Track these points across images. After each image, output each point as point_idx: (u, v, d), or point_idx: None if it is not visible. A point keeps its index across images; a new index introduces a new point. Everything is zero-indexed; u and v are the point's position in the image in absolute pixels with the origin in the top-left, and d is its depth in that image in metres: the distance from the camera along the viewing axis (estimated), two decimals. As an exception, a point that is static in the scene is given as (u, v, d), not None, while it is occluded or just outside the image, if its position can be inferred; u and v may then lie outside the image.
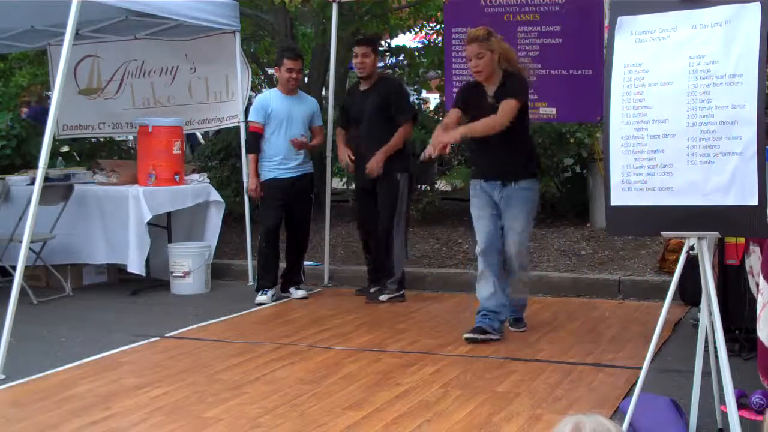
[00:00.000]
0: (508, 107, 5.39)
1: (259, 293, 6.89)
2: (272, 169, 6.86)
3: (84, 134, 9.02)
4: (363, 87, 6.92)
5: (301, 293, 7.02)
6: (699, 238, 3.53)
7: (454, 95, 6.00)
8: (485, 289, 5.60)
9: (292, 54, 6.97)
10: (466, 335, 5.52)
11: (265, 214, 6.97)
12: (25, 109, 10.30)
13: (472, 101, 5.61)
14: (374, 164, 6.59)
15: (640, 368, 3.68)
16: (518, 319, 5.84)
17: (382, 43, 11.36)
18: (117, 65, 8.43)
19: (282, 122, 6.84)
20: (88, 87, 8.57)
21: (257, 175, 6.89)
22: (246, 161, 7.29)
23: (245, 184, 7.70)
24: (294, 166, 6.89)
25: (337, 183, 9.88)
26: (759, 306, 3.90)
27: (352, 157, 6.86)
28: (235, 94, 7.85)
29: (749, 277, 4.36)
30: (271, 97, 7.01)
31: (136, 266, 7.08)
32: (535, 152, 5.87)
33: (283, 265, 7.08)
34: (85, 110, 8.59)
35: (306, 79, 9.94)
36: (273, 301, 6.87)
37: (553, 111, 7.08)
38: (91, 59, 8.44)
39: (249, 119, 7.01)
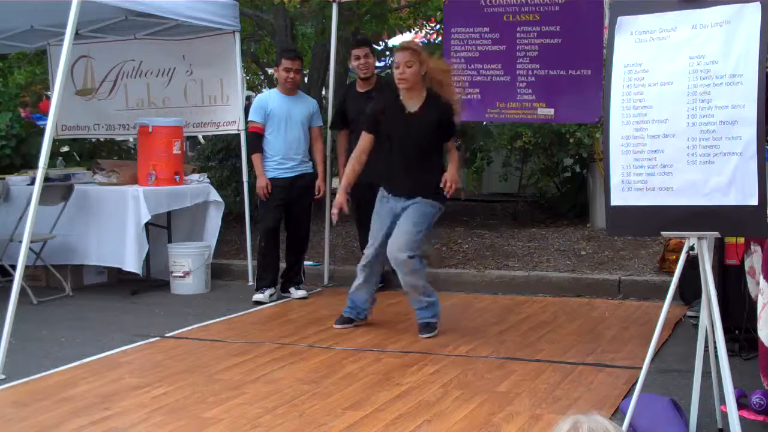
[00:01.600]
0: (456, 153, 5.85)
1: (257, 292, 6.90)
2: (271, 168, 6.86)
3: (81, 135, 9.01)
4: (361, 89, 6.95)
5: (301, 293, 7.03)
6: (699, 238, 3.53)
7: (368, 118, 5.91)
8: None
9: (290, 54, 6.98)
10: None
11: (265, 214, 6.96)
12: (22, 110, 10.31)
13: (386, 118, 5.72)
14: None
15: (640, 368, 3.68)
16: (426, 324, 5.76)
17: (380, 43, 11.38)
18: (111, 66, 8.40)
19: (281, 122, 6.84)
20: (83, 88, 8.56)
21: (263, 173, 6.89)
22: (247, 162, 7.29)
23: (245, 185, 7.71)
24: (293, 166, 6.89)
25: (337, 183, 9.86)
26: (759, 306, 3.90)
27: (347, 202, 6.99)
28: (231, 98, 7.83)
29: (749, 277, 4.36)
30: (270, 97, 7.01)
31: (132, 265, 7.07)
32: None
33: (283, 265, 7.09)
34: (82, 111, 8.57)
35: (306, 79, 9.94)
36: (272, 300, 6.88)
37: (551, 111, 7.07)
38: (85, 60, 8.44)
39: (249, 119, 7.01)
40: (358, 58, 6.87)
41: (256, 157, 6.91)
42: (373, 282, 5.96)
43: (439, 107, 5.64)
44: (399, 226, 5.65)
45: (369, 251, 5.83)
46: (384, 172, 5.83)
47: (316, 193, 7.06)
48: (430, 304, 5.77)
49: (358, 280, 5.90)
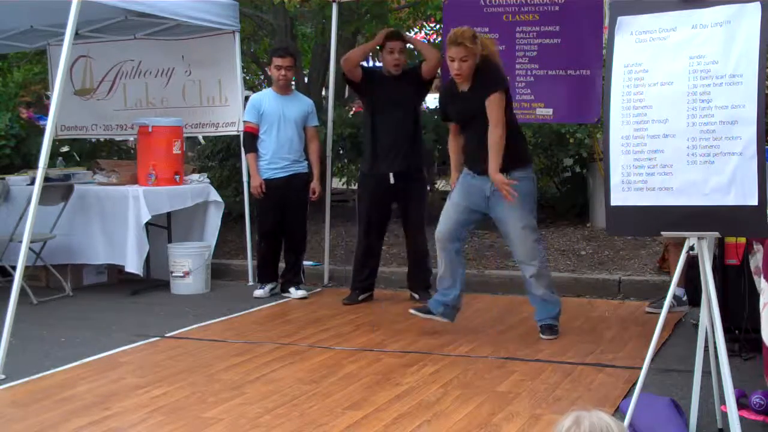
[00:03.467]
0: (494, 103, 5.37)
1: (258, 289, 7.01)
2: (265, 169, 6.87)
3: (79, 135, 9.00)
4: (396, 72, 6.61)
5: (301, 293, 7.03)
6: (699, 238, 3.53)
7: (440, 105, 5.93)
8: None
9: (280, 52, 6.97)
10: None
11: (262, 214, 7.00)
12: (24, 109, 10.33)
13: (449, 105, 5.69)
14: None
15: (640, 368, 3.68)
16: (547, 325, 5.61)
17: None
18: (110, 66, 8.40)
19: (274, 122, 6.84)
20: (82, 88, 8.56)
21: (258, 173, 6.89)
22: (245, 162, 7.30)
23: (245, 185, 7.71)
24: (284, 166, 6.88)
25: (337, 183, 9.86)
26: (761, 306, 3.90)
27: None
28: (229, 98, 7.83)
29: (755, 277, 4.36)
30: (264, 97, 7.02)
31: (134, 266, 7.08)
32: (521, 145, 5.70)
33: (282, 265, 7.10)
34: (81, 111, 8.56)
35: (306, 79, 9.94)
36: (272, 293, 6.97)
37: (549, 112, 7.06)
38: (84, 60, 8.43)
39: (244, 119, 7.04)
40: (392, 52, 6.53)
41: (250, 157, 6.93)
42: (459, 273, 5.64)
43: (483, 82, 5.47)
44: (507, 222, 5.46)
45: (440, 228, 5.59)
46: (466, 154, 5.65)
47: (311, 194, 7.02)
48: (553, 302, 5.62)
49: (440, 265, 5.67)
